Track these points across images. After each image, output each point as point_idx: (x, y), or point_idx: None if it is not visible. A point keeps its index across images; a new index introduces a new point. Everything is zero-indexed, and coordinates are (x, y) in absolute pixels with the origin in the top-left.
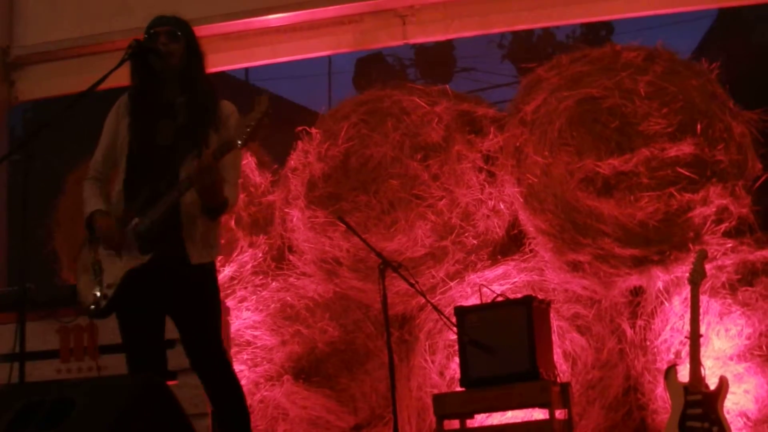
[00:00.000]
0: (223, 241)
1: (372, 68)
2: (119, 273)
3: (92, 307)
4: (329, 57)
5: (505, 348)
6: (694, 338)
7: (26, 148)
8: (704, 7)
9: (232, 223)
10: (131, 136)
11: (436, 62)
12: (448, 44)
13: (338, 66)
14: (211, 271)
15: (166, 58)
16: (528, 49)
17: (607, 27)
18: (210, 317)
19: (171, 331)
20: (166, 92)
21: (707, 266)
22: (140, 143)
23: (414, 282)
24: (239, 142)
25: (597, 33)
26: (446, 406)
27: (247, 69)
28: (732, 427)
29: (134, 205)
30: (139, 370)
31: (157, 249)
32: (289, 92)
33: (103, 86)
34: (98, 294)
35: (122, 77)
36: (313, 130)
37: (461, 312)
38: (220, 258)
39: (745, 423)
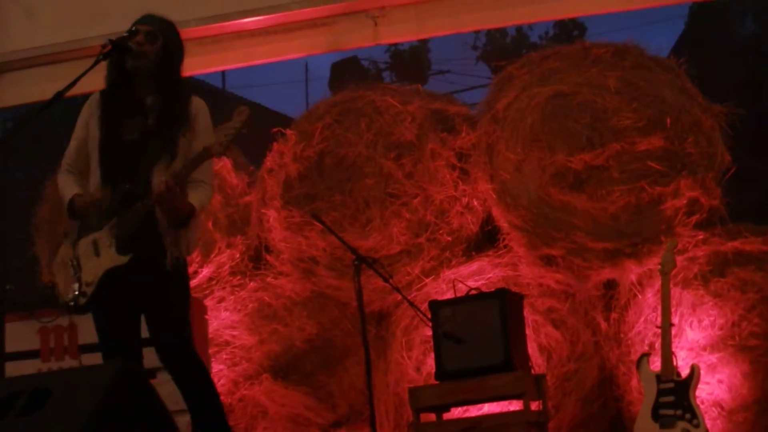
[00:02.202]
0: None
1: (348, 72)
2: (98, 271)
3: (71, 303)
4: (306, 63)
5: (479, 340)
6: (666, 327)
7: (2, 157)
8: (673, 2)
9: (210, 224)
10: (100, 131)
11: (411, 65)
12: (423, 47)
13: (315, 72)
14: (182, 265)
15: (138, 58)
16: (502, 51)
17: (580, 28)
18: (177, 305)
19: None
20: (137, 91)
21: (679, 258)
22: (108, 138)
23: (388, 277)
24: (219, 151)
25: (570, 34)
26: (422, 399)
27: (224, 77)
28: (706, 416)
29: (111, 203)
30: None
31: (135, 249)
32: (266, 100)
33: (82, 91)
34: (77, 290)
35: (100, 82)
36: (288, 132)
37: (435, 306)
38: (198, 259)
39: (719, 413)
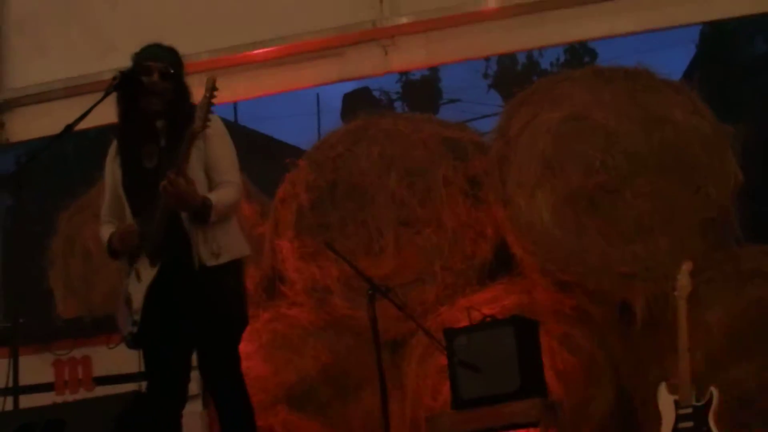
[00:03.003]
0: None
1: (359, 103)
2: (141, 296)
3: (129, 338)
4: (317, 95)
5: (494, 368)
6: (683, 351)
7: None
8: (683, 23)
9: None
10: (121, 167)
11: (423, 95)
12: (434, 76)
13: (327, 104)
14: (221, 275)
15: (154, 95)
16: (513, 78)
17: (591, 54)
18: (219, 324)
19: None
20: (149, 118)
21: (694, 280)
22: (129, 170)
23: (402, 305)
24: (198, 125)
25: (581, 60)
26: (439, 427)
27: (235, 110)
28: None
29: (144, 231)
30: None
31: (164, 258)
32: (278, 132)
33: (94, 124)
34: (130, 323)
35: (111, 115)
36: (300, 161)
37: (450, 334)
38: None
39: None
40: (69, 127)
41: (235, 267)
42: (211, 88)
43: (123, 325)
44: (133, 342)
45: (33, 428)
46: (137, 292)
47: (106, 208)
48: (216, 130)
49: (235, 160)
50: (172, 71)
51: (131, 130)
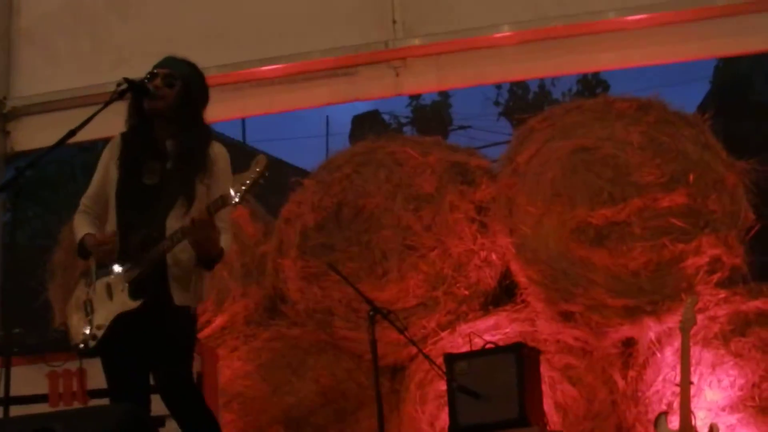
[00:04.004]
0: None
1: (368, 125)
2: (109, 315)
3: (81, 345)
4: (327, 117)
5: (494, 395)
6: (685, 385)
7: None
8: (696, 57)
9: (225, 273)
10: (120, 174)
11: (432, 120)
12: (444, 102)
13: (336, 128)
14: (190, 316)
15: (155, 100)
16: (524, 107)
17: (603, 85)
18: (183, 354)
19: None
20: (157, 134)
21: (699, 316)
22: (127, 181)
23: (403, 328)
24: (235, 200)
25: (593, 91)
26: None
27: (244, 130)
28: None
29: (128, 248)
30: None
31: (147, 295)
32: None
33: (100, 135)
34: (87, 333)
35: (118, 127)
36: (306, 181)
37: (450, 359)
38: (212, 307)
39: None
40: (71, 133)
41: (195, 312)
42: (263, 170)
43: (76, 329)
44: (86, 353)
45: None
46: (104, 309)
47: (89, 196)
48: (224, 171)
49: (230, 209)
50: (178, 79)
51: (137, 141)
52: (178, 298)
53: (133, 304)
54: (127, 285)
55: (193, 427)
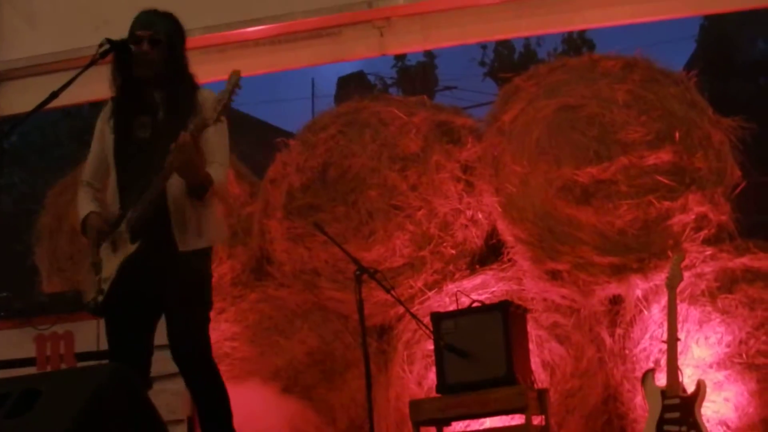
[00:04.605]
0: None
1: (354, 86)
2: (114, 267)
3: (91, 303)
4: (312, 80)
5: (481, 353)
6: (672, 341)
7: (1, 162)
8: (682, 15)
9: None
10: (114, 133)
11: (418, 80)
12: (430, 63)
13: (321, 90)
14: (199, 258)
15: (145, 66)
16: (509, 67)
17: (589, 44)
18: (194, 304)
19: None
20: (145, 88)
21: (686, 274)
22: (122, 139)
23: (390, 287)
24: (212, 117)
25: (579, 50)
26: (423, 412)
27: None
28: None
29: (129, 202)
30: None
31: (145, 236)
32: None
33: (84, 99)
34: (96, 290)
35: (102, 90)
36: (292, 142)
37: (437, 318)
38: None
39: (725, 431)
40: (54, 94)
41: (209, 252)
42: (234, 84)
43: (88, 290)
44: (96, 309)
45: (7, 397)
46: (110, 261)
47: (89, 169)
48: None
49: (227, 143)
50: (162, 39)
51: (126, 99)
52: (182, 242)
53: (132, 247)
54: (128, 231)
55: (198, 381)
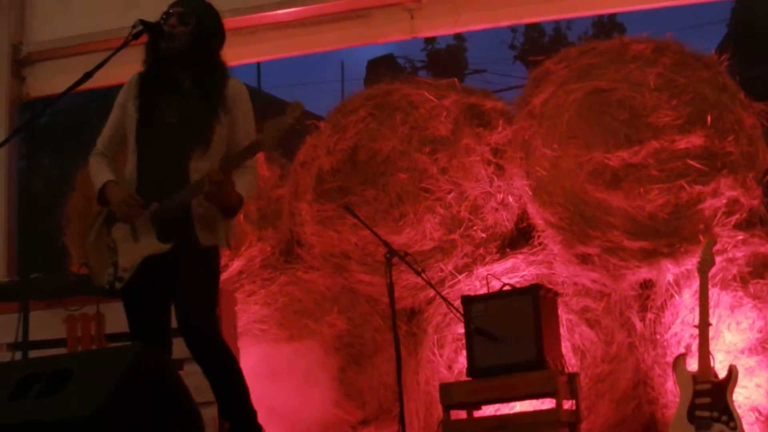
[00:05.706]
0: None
1: (383, 69)
2: (136, 257)
3: (107, 286)
4: (342, 63)
5: (511, 337)
6: (703, 327)
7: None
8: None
9: (241, 217)
10: (138, 113)
11: (448, 64)
12: (460, 46)
13: (351, 73)
14: (213, 255)
15: (170, 40)
16: (540, 50)
17: (619, 28)
18: (205, 291)
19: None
20: (174, 71)
21: (718, 258)
22: (147, 120)
23: (420, 270)
24: (269, 145)
25: (609, 34)
26: (453, 395)
27: (259, 76)
28: (744, 421)
29: (149, 189)
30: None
31: (175, 237)
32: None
33: (117, 81)
34: (113, 274)
35: (133, 73)
36: (322, 124)
37: (467, 301)
38: (228, 252)
39: (756, 417)
40: (88, 75)
41: (218, 252)
42: (298, 117)
43: (100, 271)
44: (110, 293)
45: (39, 377)
46: (131, 250)
47: (106, 138)
48: (245, 110)
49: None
50: (192, 18)
51: (156, 81)
52: (204, 238)
53: (164, 247)
54: (153, 227)
55: (214, 368)
